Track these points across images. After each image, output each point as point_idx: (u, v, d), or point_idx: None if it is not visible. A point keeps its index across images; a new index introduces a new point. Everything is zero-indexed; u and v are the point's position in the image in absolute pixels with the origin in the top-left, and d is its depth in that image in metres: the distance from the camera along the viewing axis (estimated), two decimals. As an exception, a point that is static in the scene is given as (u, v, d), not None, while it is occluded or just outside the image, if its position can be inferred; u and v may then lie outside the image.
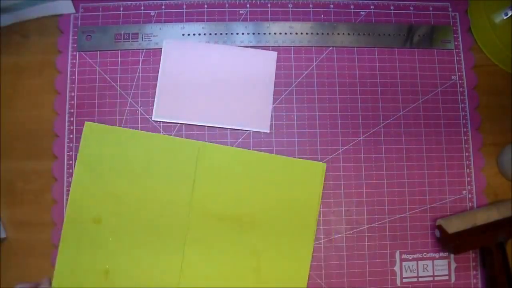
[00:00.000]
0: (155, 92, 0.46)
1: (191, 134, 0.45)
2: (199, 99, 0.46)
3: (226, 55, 0.46)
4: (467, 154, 0.47)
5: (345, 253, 0.45)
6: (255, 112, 0.46)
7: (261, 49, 0.47)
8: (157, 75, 0.46)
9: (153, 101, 0.46)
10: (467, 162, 0.47)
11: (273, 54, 0.47)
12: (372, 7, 0.49)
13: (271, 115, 0.46)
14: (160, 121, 0.46)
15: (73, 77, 0.46)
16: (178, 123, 0.45)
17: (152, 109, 0.46)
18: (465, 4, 0.49)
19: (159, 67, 0.46)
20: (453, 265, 0.45)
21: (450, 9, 0.49)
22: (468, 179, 0.47)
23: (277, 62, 0.47)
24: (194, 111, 0.46)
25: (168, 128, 0.46)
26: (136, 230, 0.42)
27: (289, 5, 0.48)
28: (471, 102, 0.48)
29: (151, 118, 0.46)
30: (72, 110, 0.46)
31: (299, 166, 0.44)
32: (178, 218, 0.42)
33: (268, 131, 0.46)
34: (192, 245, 0.42)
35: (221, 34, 0.47)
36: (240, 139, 0.46)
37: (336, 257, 0.45)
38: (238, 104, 0.46)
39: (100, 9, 0.47)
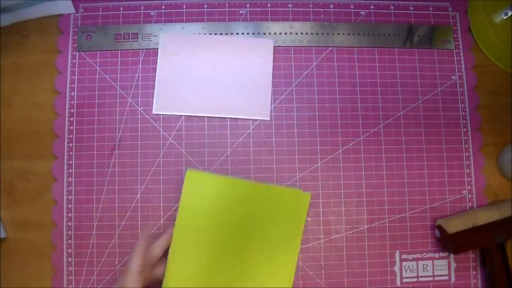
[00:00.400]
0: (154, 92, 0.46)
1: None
2: (198, 90, 0.46)
3: (223, 45, 0.47)
4: (467, 154, 0.47)
5: (345, 253, 0.45)
6: (254, 100, 0.46)
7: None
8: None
9: (153, 101, 0.46)
10: (467, 162, 0.47)
11: (270, 42, 0.47)
12: (372, 7, 0.49)
13: (271, 105, 0.46)
14: (160, 122, 0.46)
15: (73, 77, 0.46)
16: (177, 115, 0.46)
17: (152, 109, 0.46)
18: (465, 4, 0.49)
19: (159, 67, 0.46)
20: (453, 265, 0.45)
21: (450, 9, 0.49)
22: (468, 179, 0.47)
23: (277, 62, 0.47)
24: (193, 103, 0.46)
25: (168, 128, 0.46)
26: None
27: (289, 5, 0.48)
28: (471, 102, 0.48)
29: (151, 117, 0.46)
30: (72, 110, 0.46)
31: (285, 194, 0.44)
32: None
33: (268, 119, 0.46)
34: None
35: (221, 34, 0.47)
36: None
37: (336, 257, 0.45)
38: (237, 93, 0.46)
39: (100, 9, 0.47)
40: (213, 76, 0.46)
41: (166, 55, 0.46)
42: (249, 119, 0.46)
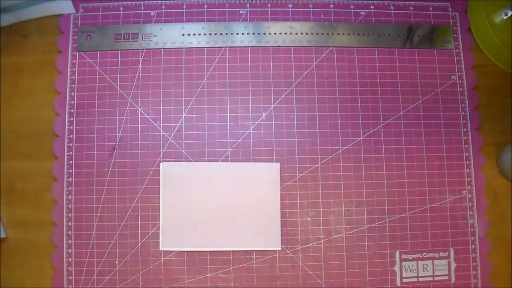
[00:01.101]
0: (155, 92, 0.46)
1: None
2: (205, 223, 0.44)
3: (226, 172, 0.45)
4: (467, 154, 0.47)
5: (345, 253, 0.45)
6: (263, 229, 0.44)
7: (261, 48, 0.47)
8: (159, 76, 0.46)
9: (153, 101, 0.46)
10: (467, 162, 0.47)
11: (276, 165, 0.45)
12: (372, 7, 0.49)
13: (280, 232, 0.44)
14: (160, 122, 0.46)
15: (73, 77, 0.46)
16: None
17: (152, 109, 0.46)
18: (465, 4, 0.49)
19: (159, 67, 0.46)
20: (453, 265, 0.45)
21: (450, 9, 0.49)
22: (468, 179, 0.47)
23: (277, 62, 0.47)
24: (201, 237, 0.44)
25: (168, 128, 0.46)
26: None
27: (289, 5, 0.48)
28: (471, 102, 0.48)
29: (151, 117, 0.46)
30: (72, 110, 0.46)
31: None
32: None
33: (280, 248, 0.44)
34: None
35: (221, 34, 0.47)
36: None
37: (336, 257, 0.45)
38: (245, 223, 0.44)
39: (100, 9, 0.47)
40: (219, 209, 0.44)
41: (168, 189, 0.45)
42: (249, 117, 0.46)
